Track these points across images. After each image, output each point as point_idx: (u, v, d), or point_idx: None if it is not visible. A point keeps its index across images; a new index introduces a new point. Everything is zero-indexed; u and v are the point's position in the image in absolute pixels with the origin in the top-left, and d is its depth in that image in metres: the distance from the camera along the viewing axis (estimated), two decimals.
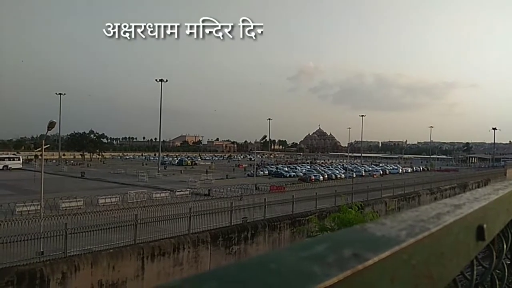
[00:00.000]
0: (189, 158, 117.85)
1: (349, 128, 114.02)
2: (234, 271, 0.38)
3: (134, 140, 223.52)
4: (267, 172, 71.30)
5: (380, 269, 0.45)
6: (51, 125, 20.46)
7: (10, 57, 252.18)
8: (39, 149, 29.56)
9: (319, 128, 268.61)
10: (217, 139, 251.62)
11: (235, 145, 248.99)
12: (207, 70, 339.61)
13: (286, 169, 75.14)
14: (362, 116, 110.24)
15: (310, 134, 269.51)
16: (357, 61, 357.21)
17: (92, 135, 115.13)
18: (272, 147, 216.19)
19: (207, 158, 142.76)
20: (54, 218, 16.57)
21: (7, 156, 79.31)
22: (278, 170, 72.81)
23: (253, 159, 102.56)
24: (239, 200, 30.02)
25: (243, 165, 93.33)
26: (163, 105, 70.89)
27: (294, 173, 68.71)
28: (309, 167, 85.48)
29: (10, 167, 71.70)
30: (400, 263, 0.50)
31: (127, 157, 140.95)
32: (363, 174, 70.98)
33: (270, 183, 47.25)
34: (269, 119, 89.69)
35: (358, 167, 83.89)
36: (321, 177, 61.32)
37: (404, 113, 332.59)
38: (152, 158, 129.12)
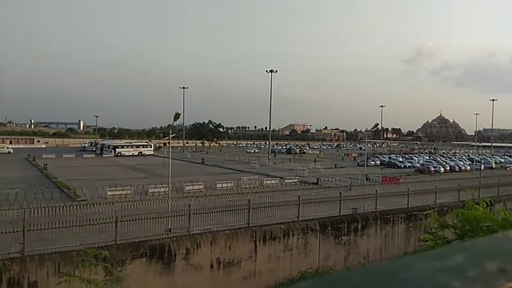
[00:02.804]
0: (297, 147, 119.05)
1: (476, 114, 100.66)
2: (361, 276, 0.35)
3: (247, 129, 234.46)
4: (378, 162, 68.01)
5: None
6: (176, 116, 22.60)
7: (145, 61, 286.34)
8: (167, 137, 33.13)
9: (440, 115, 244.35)
10: (326, 128, 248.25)
11: (344, 134, 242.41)
12: (315, 58, 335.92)
13: (401, 159, 70.52)
14: (493, 100, 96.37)
15: (429, 121, 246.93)
16: (488, 38, 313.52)
17: (210, 125, 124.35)
18: (385, 135, 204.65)
19: (315, 147, 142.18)
20: (180, 199, 18.51)
21: (141, 144, 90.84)
22: (392, 160, 68.80)
23: (363, 148, 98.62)
24: (349, 190, 29.30)
25: (353, 155, 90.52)
26: (273, 94, 72.50)
27: (409, 164, 64.15)
28: (427, 157, 78.75)
29: (144, 153, 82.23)
30: None
31: (240, 145, 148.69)
32: (493, 166, 62.72)
33: (382, 174, 44.94)
34: (382, 106, 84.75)
35: (487, 158, 74.30)
36: (442, 169, 56.01)
37: None
38: (263, 146, 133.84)
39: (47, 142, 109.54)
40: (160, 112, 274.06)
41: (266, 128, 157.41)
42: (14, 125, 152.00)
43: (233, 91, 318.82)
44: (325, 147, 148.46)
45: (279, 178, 38.83)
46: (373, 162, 66.19)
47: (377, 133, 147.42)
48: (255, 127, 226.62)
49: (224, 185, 33.19)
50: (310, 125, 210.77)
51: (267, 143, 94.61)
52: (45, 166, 50.01)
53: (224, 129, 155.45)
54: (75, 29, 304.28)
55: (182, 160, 68.66)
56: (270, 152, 77.13)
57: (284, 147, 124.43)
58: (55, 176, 40.72)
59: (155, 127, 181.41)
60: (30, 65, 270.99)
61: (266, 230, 16.51)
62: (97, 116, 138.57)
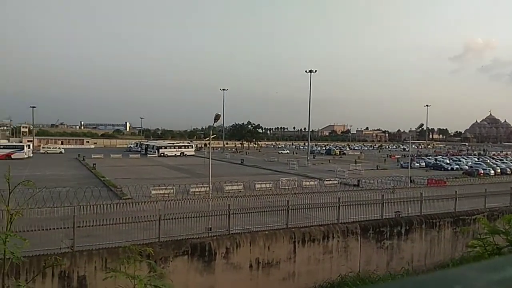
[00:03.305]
0: (337, 148, 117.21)
1: None
2: (412, 286, 0.33)
3: (285, 130, 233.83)
4: (423, 163, 65.42)
5: None
6: (216, 117, 23.00)
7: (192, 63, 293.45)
8: (207, 138, 33.80)
9: (490, 114, 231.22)
10: (367, 128, 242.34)
11: (387, 135, 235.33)
12: (356, 57, 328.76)
13: (447, 161, 67.39)
14: None
15: (478, 121, 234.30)
16: None
17: (249, 126, 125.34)
18: (431, 136, 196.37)
19: (356, 148, 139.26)
20: (220, 199, 18.83)
21: (183, 144, 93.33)
22: (438, 162, 65.92)
23: (407, 149, 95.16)
24: (391, 192, 28.45)
25: (396, 156, 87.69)
26: (312, 95, 71.86)
27: (457, 166, 61.15)
28: (476, 159, 74.71)
29: (185, 154, 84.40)
30: None
31: (279, 146, 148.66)
32: None
33: (427, 176, 43.21)
34: (427, 105, 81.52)
35: None
36: (492, 171, 52.93)
37: None
38: (302, 147, 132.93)
39: (95, 143, 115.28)
40: (201, 114, 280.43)
41: (305, 128, 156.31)
42: (66, 126, 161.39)
43: (272, 92, 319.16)
44: (366, 148, 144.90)
45: (318, 180, 38.40)
46: (417, 164, 63.80)
47: (422, 133, 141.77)
48: (294, 128, 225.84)
49: (263, 185, 33.33)
50: (351, 126, 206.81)
51: (306, 144, 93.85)
52: (94, 165, 52.67)
53: (263, 130, 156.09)
54: (120, 37, 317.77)
55: (221, 161, 69.75)
56: (309, 153, 76.42)
57: (324, 148, 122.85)
58: (103, 175, 42.75)
59: (196, 128, 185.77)
60: (80, 70, 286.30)
61: (305, 232, 16.39)
62: (142, 118, 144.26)
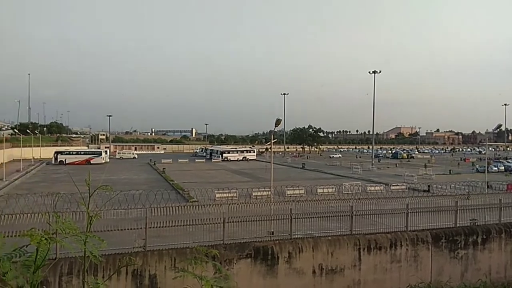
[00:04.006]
0: (404, 151, 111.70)
1: None
2: None
3: (348, 133, 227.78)
4: (502, 167, 59.96)
5: None
6: (277, 122, 23.14)
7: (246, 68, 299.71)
8: (269, 143, 34.05)
9: None
10: (437, 130, 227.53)
11: (460, 137, 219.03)
12: (423, 54, 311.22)
13: None
14: None
15: None
16: None
17: (310, 130, 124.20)
18: (510, 138, 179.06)
19: (426, 151, 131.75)
20: (281, 203, 18.90)
21: (245, 149, 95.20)
22: None
23: (483, 152, 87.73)
24: (466, 199, 26.43)
25: (471, 159, 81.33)
26: (377, 96, 69.29)
27: None
28: None
29: (247, 158, 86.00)
30: None
31: (341, 150, 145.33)
32: None
33: (507, 181, 39.45)
34: (505, 104, 74.51)
35: None
36: None
37: None
38: (366, 151, 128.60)
39: (165, 148, 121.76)
40: (263, 119, 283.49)
41: (369, 131, 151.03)
42: (138, 133, 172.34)
43: (334, 95, 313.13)
44: (437, 151, 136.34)
45: (384, 185, 36.89)
46: (495, 168, 58.61)
47: (500, 135, 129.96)
48: (357, 131, 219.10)
49: (325, 190, 32.83)
50: (419, 128, 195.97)
51: (370, 147, 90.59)
52: (164, 169, 55.68)
53: (325, 134, 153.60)
54: (184, 47, 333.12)
55: (283, 165, 69.85)
56: (373, 157, 73.66)
57: (390, 151, 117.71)
58: (171, 179, 45.03)
59: (258, 133, 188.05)
60: (149, 80, 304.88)
61: (370, 239, 15.82)
62: (206, 124, 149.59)
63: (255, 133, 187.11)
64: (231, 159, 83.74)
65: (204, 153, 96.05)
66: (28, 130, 79.21)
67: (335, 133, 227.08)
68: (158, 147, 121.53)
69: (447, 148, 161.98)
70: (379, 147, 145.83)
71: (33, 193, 24.22)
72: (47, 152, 75.83)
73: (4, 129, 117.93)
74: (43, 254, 1.69)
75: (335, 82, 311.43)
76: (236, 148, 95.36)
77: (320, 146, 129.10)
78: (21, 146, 61.83)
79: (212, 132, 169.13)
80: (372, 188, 34.92)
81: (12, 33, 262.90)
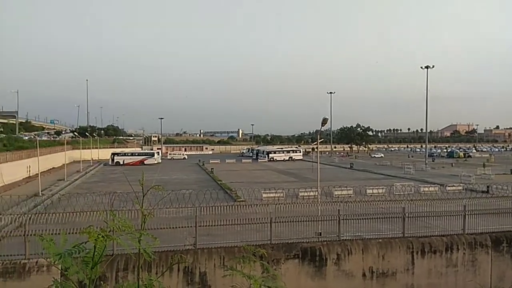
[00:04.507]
0: (461, 150, 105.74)
1: None
2: None
3: (399, 131, 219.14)
4: None
5: None
6: (324, 121, 22.77)
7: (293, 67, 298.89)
8: (315, 142, 33.66)
9: None
10: (497, 127, 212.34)
11: None
12: (480, 46, 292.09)
13: None
14: None
15: None
16: None
17: (358, 129, 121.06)
18: None
19: (484, 150, 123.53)
20: (329, 204, 18.57)
21: (291, 149, 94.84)
22: None
23: None
24: None
25: None
26: (430, 92, 65.86)
27: None
28: None
29: (293, 158, 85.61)
30: None
31: (392, 149, 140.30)
32: None
33: None
34: None
35: None
36: None
37: None
38: (418, 150, 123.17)
39: (213, 149, 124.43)
40: (309, 118, 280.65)
41: (421, 129, 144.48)
42: (188, 135, 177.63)
43: (383, 92, 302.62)
44: (496, 150, 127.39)
45: (438, 185, 35.09)
46: None
47: None
48: (409, 129, 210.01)
49: (375, 191, 31.84)
50: (477, 125, 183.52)
51: (423, 146, 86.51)
52: (212, 170, 56.94)
53: (374, 132, 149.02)
54: (231, 49, 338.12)
55: (330, 165, 68.68)
56: (427, 156, 70.24)
57: (445, 150, 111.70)
58: (219, 179, 45.92)
59: (304, 132, 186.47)
60: (197, 83, 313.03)
61: (424, 242, 15.12)
62: (252, 125, 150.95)
63: (301, 133, 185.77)
64: (277, 159, 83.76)
65: (251, 153, 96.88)
66: (87, 133, 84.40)
67: (385, 131, 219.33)
68: (207, 148, 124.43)
69: (508, 146, 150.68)
70: (433, 145, 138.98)
71: (92, 192, 25.80)
72: (105, 153, 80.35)
73: (65, 132, 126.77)
74: (100, 250, 1.79)
75: (384, 79, 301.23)
76: (282, 148, 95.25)
77: (369, 146, 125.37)
78: (81, 148, 66.07)
79: (258, 133, 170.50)
80: (426, 189, 33.36)
81: (71, 40, 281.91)
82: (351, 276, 14.37)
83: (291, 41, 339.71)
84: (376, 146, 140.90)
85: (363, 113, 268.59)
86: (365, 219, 16.09)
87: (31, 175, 47.46)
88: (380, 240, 15.03)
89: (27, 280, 11.83)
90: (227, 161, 79.85)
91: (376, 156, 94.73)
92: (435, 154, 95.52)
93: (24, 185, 41.56)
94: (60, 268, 1.86)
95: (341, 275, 14.32)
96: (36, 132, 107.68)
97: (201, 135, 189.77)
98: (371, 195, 30.00)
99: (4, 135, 79.02)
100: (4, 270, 11.90)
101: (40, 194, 33.46)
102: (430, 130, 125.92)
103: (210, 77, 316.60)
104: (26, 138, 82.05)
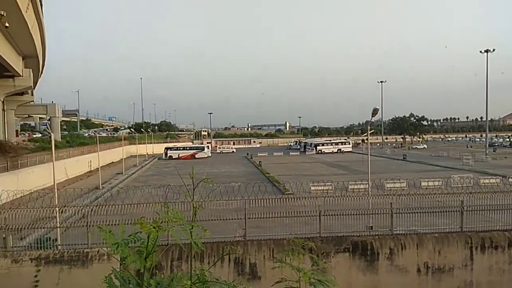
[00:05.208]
0: None
1: None
2: None
3: (456, 120, 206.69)
4: None
5: None
6: (374, 111, 22.05)
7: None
8: (365, 134, 32.76)
9: None
10: None
11: None
12: None
13: None
14: None
15: None
16: None
17: (412, 118, 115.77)
18: None
19: None
20: (380, 197, 18.02)
21: (340, 141, 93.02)
22: None
23: None
24: None
25: None
26: (491, 78, 61.40)
27: None
28: None
29: (342, 150, 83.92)
30: None
31: (449, 139, 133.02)
32: None
33: None
34: None
35: None
36: None
37: None
38: (478, 139, 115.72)
39: (260, 142, 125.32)
40: (358, 109, 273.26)
41: (482, 118, 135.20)
42: (236, 129, 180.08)
43: (439, 79, 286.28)
44: None
45: (500, 177, 32.75)
46: None
47: None
48: (467, 117, 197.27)
49: (430, 183, 30.42)
50: None
51: (484, 135, 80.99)
52: (260, 163, 57.44)
53: (429, 122, 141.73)
54: (277, 43, 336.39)
55: (381, 157, 66.53)
56: (487, 146, 65.68)
57: (507, 139, 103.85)
58: (267, 172, 46.22)
59: (353, 124, 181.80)
60: (243, 79, 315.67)
61: (485, 237, 14.25)
62: (300, 117, 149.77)
63: (350, 124, 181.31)
64: (325, 151, 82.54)
65: (298, 146, 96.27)
66: (142, 129, 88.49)
67: (441, 121, 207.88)
68: (254, 141, 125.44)
69: None
70: (494, 134, 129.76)
71: (148, 185, 27.05)
72: (158, 148, 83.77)
73: (122, 129, 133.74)
74: (153, 241, 1.89)
75: (439, 66, 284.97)
76: (330, 140, 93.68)
77: (424, 136, 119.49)
78: (137, 144, 69.38)
79: (305, 125, 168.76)
80: (486, 181, 31.27)
81: (127, 40, 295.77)
82: (405, 271, 13.91)
83: (338, 30, 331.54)
84: (431, 136, 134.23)
85: (417, 102, 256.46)
86: (419, 212, 15.46)
87: (92, 169, 50.71)
88: (436, 235, 14.39)
89: (89, 268, 12.71)
90: (274, 154, 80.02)
91: (418, 147, 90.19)
92: (496, 144, 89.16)
93: (86, 178, 44.53)
94: (118, 258, 1.98)
95: (394, 270, 13.90)
96: (95, 129, 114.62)
97: (249, 128, 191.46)
98: (426, 188, 28.68)
99: (67, 132, 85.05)
100: (69, 258, 12.87)
101: (101, 187, 35.72)
102: (491, 118, 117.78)
103: (257, 71, 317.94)
104: (87, 134, 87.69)
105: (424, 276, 13.96)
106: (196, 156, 75.52)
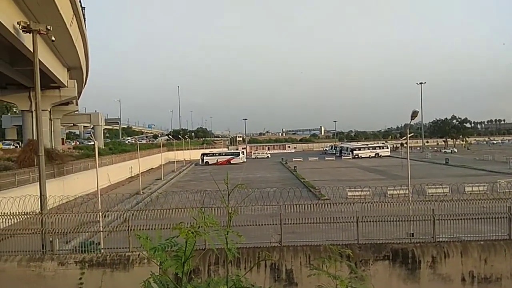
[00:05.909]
0: None
1: None
2: None
3: (502, 122, 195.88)
4: None
5: None
6: (414, 114, 21.40)
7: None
8: (404, 137, 31.79)
9: None
10: None
11: None
12: None
13: None
14: None
15: None
16: None
17: (454, 121, 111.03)
18: None
19: None
20: (421, 203, 17.36)
21: (377, 145, 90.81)
22: None
23: None
24: None
25: None
26: None
27: None
28: None
29: (380, 155, 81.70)
30: None
31: (494, 141, 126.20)
32: None
33: None
34: None
35: None
36: None
37: None
38: None
39: (295, 147, 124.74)
40: (396, 112, 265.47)
41: None
42: (270, 134, 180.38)
43: (482, 78, 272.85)
44: None
45: None
46: None
47: None
48: None
49: (475, 188, 29.00)
50: None
51: None
52: (295, 168, 57.07)
53: (472, 124, 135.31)
54: (310, 47, 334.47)
55: (421, 161, 64.26)
56: None
57: None
58: (303, 177, 45.86)
59: (391, 127, 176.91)
60: (277, 83, 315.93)
61: None
62: (335, 121, 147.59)
63: (388, 128, 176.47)
64: (362, 156, 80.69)
65: (334, 150, 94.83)
66: (179, 136, 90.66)
67: (486, 122, 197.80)
68: (289, 146, 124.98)
69: None
70: None
71: (185, 190, 27.64)
72: (195, 154, 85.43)
73: (161, 135, 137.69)
74: (190, 246, 1.93)
75: (482, 66, 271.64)
76: (367, 144, 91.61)
77: (467, 139, 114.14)
78: (175, 150, 71.14)
79: (341, 129, 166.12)
80: None
81: (166, 50, 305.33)
82: (448, 280, 13.29)
83: (375, 32, 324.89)
84: (475, 139, 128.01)
85: (459, 104, 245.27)
86: (463, 219, 14.74)
87: (133, 175, 52.50)
88: (481, 242, 13.66)
89: (130, 272, 13.10)
90: (309, 159, 79.25)
91: (447, 151, 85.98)
92: None
93: (127, 184, 46.14)
94: (157, 262, 2.03)
95: (437, 279, 13.32)
96: (136, 136, 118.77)
97: (283, 133, 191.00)
98: (470, 193, 27.40)
99: (109, 140, 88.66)
100: (111, 261, 13.34)
101: (141, 192, 36.90)
102: None
103: (290, 76, 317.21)
104: (128, 142, 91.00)
105: (469, 285, 13.27)
106: (232, 161, 76.29)
